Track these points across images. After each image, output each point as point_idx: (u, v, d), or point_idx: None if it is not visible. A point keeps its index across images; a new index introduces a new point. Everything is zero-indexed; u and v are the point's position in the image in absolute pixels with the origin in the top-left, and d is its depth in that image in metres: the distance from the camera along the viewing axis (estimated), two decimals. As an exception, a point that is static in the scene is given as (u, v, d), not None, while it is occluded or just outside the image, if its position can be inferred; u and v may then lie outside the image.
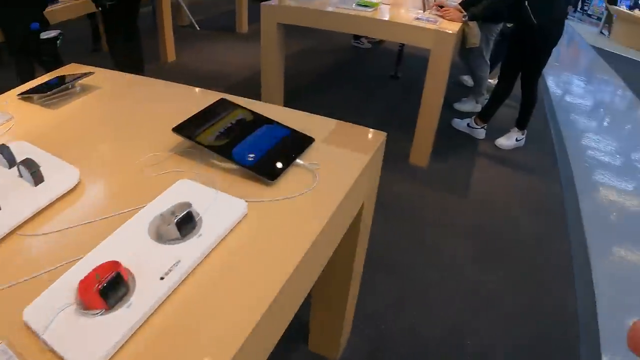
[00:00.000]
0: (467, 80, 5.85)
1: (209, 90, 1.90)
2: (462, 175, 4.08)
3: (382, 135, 1.66)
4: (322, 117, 1.72)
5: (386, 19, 3.68)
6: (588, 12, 19.28)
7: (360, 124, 1.69)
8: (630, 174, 4.77)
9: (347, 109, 5.00)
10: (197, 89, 1.98)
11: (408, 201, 3.62)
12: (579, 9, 19.94)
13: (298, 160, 1.41)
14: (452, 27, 3.58)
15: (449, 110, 5.17)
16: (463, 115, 5.03)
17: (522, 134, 4.61)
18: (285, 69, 4.29)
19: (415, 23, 3.61)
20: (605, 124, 6.37)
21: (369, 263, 2.61)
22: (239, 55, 6.32)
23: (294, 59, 6.30)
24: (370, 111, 5.03)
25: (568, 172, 4.43)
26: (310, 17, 3.79)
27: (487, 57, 5.01)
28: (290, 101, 4.68)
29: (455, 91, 5.66)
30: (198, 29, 7.39)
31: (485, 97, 5.03)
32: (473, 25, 4.19)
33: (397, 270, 2.86)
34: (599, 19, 17.73)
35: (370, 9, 3.78)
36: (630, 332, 0.33)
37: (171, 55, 6.11)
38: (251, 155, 1.35)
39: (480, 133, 4.71)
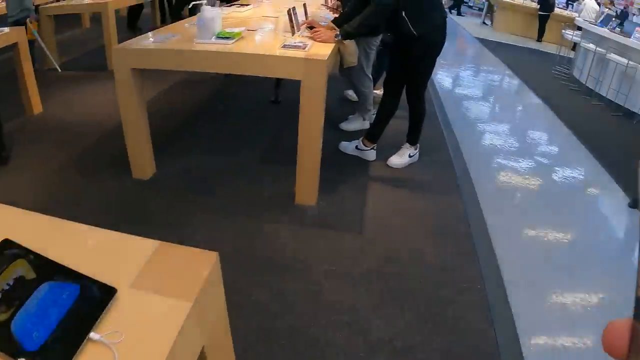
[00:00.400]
0: (352, 95, 5.42)
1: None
2: (356, 207, 3.63)
3: (213, 257, 1.22)
4: (141, 238, 1.27)
5: (248, 51, 3.26)
6: (469, 3, 20.11)
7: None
8: (532, 174, 4.74)
9: (227, 145, 4.56)
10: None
11: (297, 252, 3.03)
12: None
13: (92, 335, 0.98)
14: (324, 52, 3.21)
15: (334, 133, 4.75)
16: (351, 135, 4.75)
17: (415, 149, 4.34)
18: (156, 109, 3.83)
19: (281, 52, 3.16)
20: (498, 112, 6.44)
21: (262, 338, 2.25)
22: (112, 97, 5.71)
23: (165, 96, 5.64)
24: (252, 145, 4.47)
25: (467, 183, 4.29)
26: (167, 59, 3.31)
27: (369, 71, 4.77)
28: (163, 148, 4.14)
29: (340, 109, 5.37)
30: (60, 71, 6.71)
31: (372, 113, 4.75)
32: (349, 43, 3.82)
33: (294, 338, 2.51)
34: (480, 9, 18.50)
35: (231, 41, 3.33)
36: (605, 333, 0.32)
37: (37, 106, 5.40)
38: (35, 335, 0.95)
39: (371, 154, 4.34)
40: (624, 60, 7.42)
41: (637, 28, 7.77)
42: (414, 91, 4.07)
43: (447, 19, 3.79)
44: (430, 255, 3.23)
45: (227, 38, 3.43)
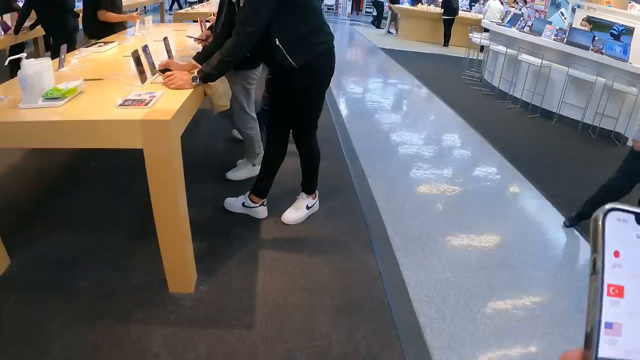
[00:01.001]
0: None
1: None
2: (245, 288, 2.71)
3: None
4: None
5: (74, 116, 2.16)
6: (373, 13, 19.68)
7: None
8: (454, 211, 3.88)
9: (97, 215, 3.35)
10: None
11: (170, 357, 2.18)
12: (357, 12, 20.33)
13: None
14: (172, 106, 2.31)
15: (221, 185, 3.83)
16: (241, 186, 3.69)
17: (314, 198, 3.48)
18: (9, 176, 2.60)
19: (116, 113, 2.24)
20: (407, 131, 5.59)
21: None
22: None
23: (21, 157, 4.27)
24: (126, 212, 3.41)
25: (380, 232, 3.36)
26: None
27: (252, 109, 3.76)
28: (20, 228, 3.09)
29: (227, 153, 4.33)
30: None
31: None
32: (218, 83, 2.90)
33: None
34: (385, 18, 18.05)
35: (60, 101, 2.31)
36: (561, 357, 0.37)
37: None
38: None
39: (261, 212, 3.45)
40: (537, 60, 6.84)
41: (547, 26, 7.25)
42: (302, 132, 3.15)
43: (332, 42, 2.89)
44: (340, 345, 2.22)
45: (55, 99, 2.30)
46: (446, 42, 13.33)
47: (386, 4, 15.79)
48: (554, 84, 6.98)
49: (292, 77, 2.82)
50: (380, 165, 4.53)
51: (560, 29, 7.21)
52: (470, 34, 8.99)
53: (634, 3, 10.24)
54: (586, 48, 6.74)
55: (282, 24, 2.62)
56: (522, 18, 7.81)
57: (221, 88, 2.96)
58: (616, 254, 0.36)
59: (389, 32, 14.80)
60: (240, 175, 3.97)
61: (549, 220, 3.87)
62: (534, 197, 4.31)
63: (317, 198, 3.51)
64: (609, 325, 0.35)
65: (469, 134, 5.96)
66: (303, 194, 3.46)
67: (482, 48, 8.82)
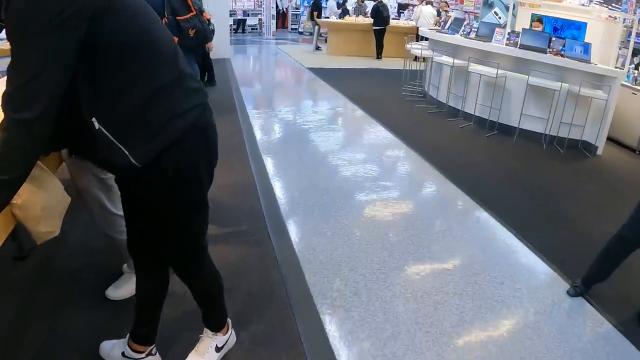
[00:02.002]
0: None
1: None
2: None
3: None
4: None
5: None
6: (299, 29, 18.57)
7: None
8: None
9: None
10: None
11: None
12: (290, 29, 19.20)
13: None
14: None
15: (98, 309, 2.41)
16: (129, 310, 2.26)
17: (225, 332, 2.15)
18: None
19: None
20: (341, 184, 4.33)
21: None
22: None
23: None
24: None
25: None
26: None
27: (118, 206, 2.35)
28: None
29: (109, 260, 2.81)
30: None
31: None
32: (31, 196, 1.51)
33: None
34: (311, 34, 16.94)
35: None
36: None
37: None
38: None
39: None
40: (492, 70, 5.75)
41: (497, 29, 6.19)
42: (181, 262, 1.81)
43: (205, 106, 1.56)
44: None
45: None
46: (379, 55, 12.29)
47: (304, 18, 14.67)
48: (511, 95, 5.96)
49: (140, 181, 1.49)
50: (314, 239, 3.20)
51: (513, 31, 6.17)
52: (408, 45, 7.86)
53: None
54: (543, 51, 5.74)
55: (101, 91, 1.33)
56: (466, 22, 6.73)
57: (39, 204, 1.55)
58: None
59: (317, 48, 13.62)
60: (122, 294, 2.52)
61: (548, 288, 2.70)
62: (510, 242, 3.30)
63: (230, 330, 2.14)
64: None
65: (416, 164, 4.79)
66: (207, 331, 2.08)
67: (416, 57, 7.78)
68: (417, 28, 11.69)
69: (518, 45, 5.92)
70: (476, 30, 6.55)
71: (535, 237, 3.36)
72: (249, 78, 9.70)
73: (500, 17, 14.02)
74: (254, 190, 3.77)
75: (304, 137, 5.46)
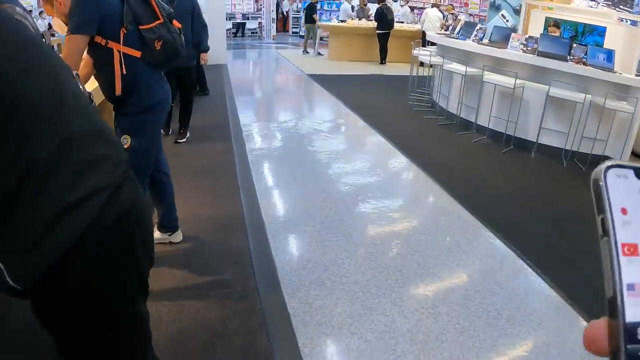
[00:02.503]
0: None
1: None
2: None
3: None
4: None
5: None
6: (300, 33, 18.03)
7: None
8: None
9: None
10: None
11: None
12: (291, 32, 18.71)
13: None
14: None
15: None
16: None
17: None
18: None
19: None
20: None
21: None
22: None
23: None
24: None
25: None
26: None
27: None
28: None
29: None
30: None
31: None
32: None
33: None
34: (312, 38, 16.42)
35: None
36: (586, 333, 0.33)
37: None
38: None
39: None
40: (509, 81, 5.22)
41: (513, 35, 5.67)
42: None
43: (120, 182, 1.04)
44: None
45: None
46: (383, 60, 11.76)
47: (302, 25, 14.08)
48: (529, 107, 5.43)
49: (38, 303, 1.03)
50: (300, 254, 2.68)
51: (530, 37, 5.65)
52: (416, 51, 7.33)
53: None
54: (564, 59, 5.22)
55: None
56: (478, 27, 6.21)
57: None
58: (624, 211, 0.33)
59: (319, 53, 13.08)
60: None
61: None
62: (531, 279, 2.73)
63: None
64: (631, 287, 0.32)
65: (425, 184, 4.28)
66: None
67: (421, 62, 7.28)
68: (423, 32, 11.22)
69: (537, 52, 5.40)
70: (490, 35, 6.03)
71: (555, 270, 2.91)
72: (245, 86, 9.18)
73: (507, 20, 13.50)
74: (242, 225, 3.25)
75: (301, 157, 4.94)
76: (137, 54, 2.26)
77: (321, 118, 6.68)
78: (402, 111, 7.03)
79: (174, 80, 4.50)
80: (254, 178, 4.11)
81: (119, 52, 2.18)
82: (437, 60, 6.50)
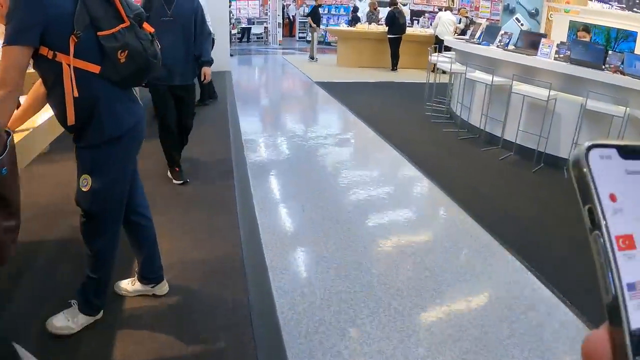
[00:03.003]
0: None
1: None
2: None
3: None
4: None
5: None
6: (307, 38, 17.53)
7: None
8: None
9: None
10: None
11: None
12: (298, 37, 18.23)
13: None
14: None
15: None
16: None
17: None
18: None
19: None
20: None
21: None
22: None
23: None
24: None
25: None
26: None
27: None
28: None
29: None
30: None
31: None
32: None
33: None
34: (324, 44, 15.94)
35: None
36: (586, 344, 0.28)
37: None
38: None
39: None
40: (542, 92, 4.69)
41: (544, 40, 5.14)
42: None
43: None
44: None
45: None
46: (394, 66, 11.23)
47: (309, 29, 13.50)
48: (561, 121, 4.90)
49: None
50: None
51: (562, 43, 5.11)
52: (434, 57, 6.80)
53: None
54: (599, 67, 4.69)
55: None
56: (503, 32, 5.68)
57: None
58: (612, 197, 0.28)
59: (312, 58, 12.54)
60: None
61: None
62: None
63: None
64: (631, 287, 0.27)
65: (446, 207, 3.75)
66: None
67: (434, 68, 6.75)
68: (436, 36, 10.71)
69: (570, 61, 4.87)
70: (516, 41, 5.50)
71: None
72: (249, 95, 8.66)
73: (522, 24, 12.97)
74: (241, 270, 2.73)
75: (311, 180, 4.42)
76: (95, 69, 1.75)
77: (331, 131, 6.15)
78: (419, 123, 6.51)
79: (170, 101, 3.79)
80: (255, 209, 3.58)
81: (69, 66, 1.68)
82: (458, 68, 5.97)
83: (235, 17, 14.43)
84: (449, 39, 6.95)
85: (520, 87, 4.93)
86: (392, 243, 3.20)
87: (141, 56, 1.83)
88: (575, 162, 0.29)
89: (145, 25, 1.92)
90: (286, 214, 3.64)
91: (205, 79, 3.97)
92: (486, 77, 5.22)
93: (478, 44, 5.99)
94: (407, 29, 11.58)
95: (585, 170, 0.28)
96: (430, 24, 14.58)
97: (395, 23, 10.78)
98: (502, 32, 5.77)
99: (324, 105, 7.79)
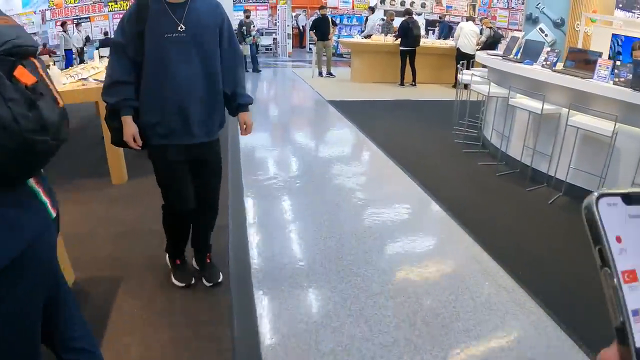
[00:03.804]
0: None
1: None
2: None
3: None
4: None
5: None
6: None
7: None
8: None
9: None
10: None
11: None
12: (308, 49, 17.50)
13: None
14: None
15: None
16: None
17: None
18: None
19: None
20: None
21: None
22: None
23: None
24: None
25: None
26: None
27: None
28: None
29: None
30: None
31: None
32: None
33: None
34: (343, 56, 15.22)
35: None
36: (598, 359, 0.36)
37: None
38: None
39: None
40: (607, 126, 3.88)
41: (600, 60, 4.33)
42: None
43: None
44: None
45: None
46: (413, 81, 10.47)
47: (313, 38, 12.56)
48: (620, 157, 4.08)
49: None
50: None
51: (622, 64, 4.30)
52: (467, 75, 5.99)
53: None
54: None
55: None
56: (548, 49, 4.88)
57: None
58: (618, 239, 0.35)
59: (329, 74, 11.70)
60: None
61: None
62: None
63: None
64: (635, 313, 0.34)
65: (490, 277, 2.92)
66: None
67: (455, 83, 5.98)
68: (457, 49, 9.95)
69: (630, 85, 4.05)
70: (565, 60, 4.70)
71: None
72: (253, 117, 7.79)
73: (546, 35, 12.12)
74: None
75: (319, 232, 3.63)
76: None
77: (344, 166, 5.34)
78: (448, 152, 5.70)
79: (185, 169, 2.45)
80: (254, 295, 2.78)
81: None
82: (498, 91, 5.15)
83: (256, 28, 13.37)
84: (482, 56, 6.15)
85: (576, 118, 4.12)
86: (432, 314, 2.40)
87: (10, 133, 1.06)
88: (587, 209, 0.35)
89: (20, 71, 1.14)
90: (285, 293, 2.84)
91: (246, 129, 2.60)
92: (534, 105, 4.41)
93: (518, 62, 5.19)
94: (423, 39, 10.81)
95: (596, 217, 0.35)
96: (439, 34, 13.85)
97: (409, 34, 10.01)
98: (546, 49, 4.97)
99: (338, 129, 7.00)
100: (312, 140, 6.51)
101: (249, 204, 4.05)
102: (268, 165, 5.14)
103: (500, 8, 14.61)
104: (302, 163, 5.29)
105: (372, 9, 13.70)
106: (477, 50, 9.67)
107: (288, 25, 16.12)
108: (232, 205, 3.95)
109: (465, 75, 5.93)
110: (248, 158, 5.30)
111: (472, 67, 7.23)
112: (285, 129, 7.22)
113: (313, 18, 13.37)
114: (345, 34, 15.53)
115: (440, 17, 14.79)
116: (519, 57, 5.53)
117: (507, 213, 4.08)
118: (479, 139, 6.02)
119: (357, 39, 12.23)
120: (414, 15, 10.47)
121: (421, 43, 10.34)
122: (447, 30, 13.53)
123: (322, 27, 11.15)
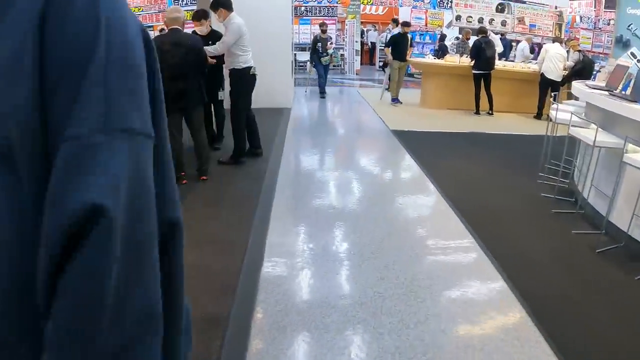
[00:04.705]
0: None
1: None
2: None
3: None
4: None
5: None
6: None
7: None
8: None
9: None
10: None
11: None
12: (378, 67, 16.53)
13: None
14: None
15: None
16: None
17: None
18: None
19: None
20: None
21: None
22: None
23: None
24: None
25: None
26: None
27: None
28: None
29: None
30: None
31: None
32: None
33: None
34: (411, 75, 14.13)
35: None
36: None
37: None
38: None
39: None
40: None
41: None
42: None
43: None
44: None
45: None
46: (490, 109, 9.29)
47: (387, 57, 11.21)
48: None
49: None
50: None
51: None
52: (561, 113, 4.84)
53: None
54: None
55: None
56: None
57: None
58: None
59: (395, 100, 10.40)
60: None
61: None
62: None
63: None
64: None
65: None
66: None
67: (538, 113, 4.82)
68: (542, 74, 8.72)
69: None
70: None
71: None
72: (301, 149, 6.69)
73: (639, 61, 10.57)
74: None
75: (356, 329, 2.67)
76: None
77: (404, 227, 4.33)
78: (532, 212, 4.54)
79: None
80: None
81: None
82: (608, 140, 3.98)
83: (334, 45, 12.11)
84: (581, 89, 4.98)
85: None
86: None
87: None
88: None
89: None
90: None
91: None
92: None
93: (630, 100, 4.01)
94: (501, 62, 9.61)
95: None
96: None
97: (482, 56, 8.85)
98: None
99: (397, 168, 6.00)
100: (361, 185, 5.37)
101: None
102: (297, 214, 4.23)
103: (583, 29, 13.12)
104: (337, 220, 4.33)
105: (395, 22, 12.36)
106: (563, 76, 8.47)
107: (356, 42, 15.25)
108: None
109: (561, 114, 4.77)
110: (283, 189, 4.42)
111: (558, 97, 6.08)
112: (335, 163, 6.25)
113: (386, 34, 12.38)
114: (417, 52, 14.45)
115: (502, 35, 13.36)
116: (627, 92, 4.36)
117: (611, 311, 2.95)
118: (571, 193, 4.84)
119: (429, 59, 11.16)
120: (489, 34, 9.29)
121: (501, 66, 9.14)
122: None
123: (400, 46, 9.65)
